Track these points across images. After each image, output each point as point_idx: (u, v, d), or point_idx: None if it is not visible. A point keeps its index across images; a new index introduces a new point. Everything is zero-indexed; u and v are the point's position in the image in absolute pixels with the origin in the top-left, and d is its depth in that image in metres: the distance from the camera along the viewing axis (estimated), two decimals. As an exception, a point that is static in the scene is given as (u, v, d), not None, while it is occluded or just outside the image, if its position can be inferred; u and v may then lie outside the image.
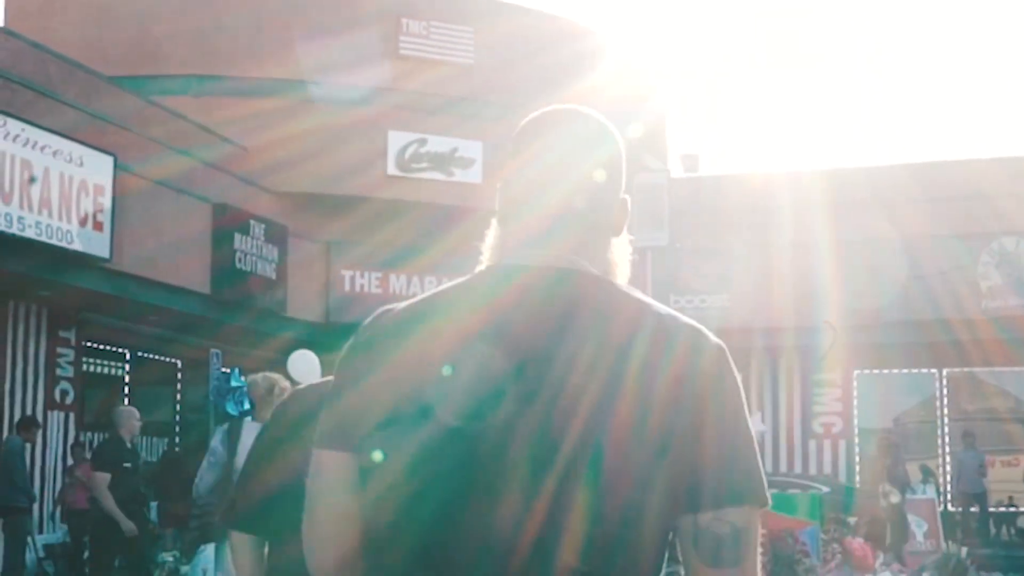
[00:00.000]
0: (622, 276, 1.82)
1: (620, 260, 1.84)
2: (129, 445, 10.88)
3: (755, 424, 17.66)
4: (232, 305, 17.04)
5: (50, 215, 13.19)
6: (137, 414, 11.07)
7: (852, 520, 15.05)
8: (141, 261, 15.06)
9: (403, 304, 1.76)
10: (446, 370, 1.63)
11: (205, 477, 7.79)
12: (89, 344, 16.72)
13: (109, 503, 10.26)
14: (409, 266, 19.72)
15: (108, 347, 17.15)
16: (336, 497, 1.73)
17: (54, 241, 13.21)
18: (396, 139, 20.16)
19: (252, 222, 17.46)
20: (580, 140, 1.78)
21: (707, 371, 1.64)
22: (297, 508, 3.19)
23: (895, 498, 16.63)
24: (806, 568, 12.59)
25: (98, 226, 13.98)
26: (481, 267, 1.80)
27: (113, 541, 10.58)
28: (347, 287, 19.46)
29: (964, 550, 12.32)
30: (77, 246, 13.58)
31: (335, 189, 19.45)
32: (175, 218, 15.94)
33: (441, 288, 1.75)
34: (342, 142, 19.53)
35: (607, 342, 1.63)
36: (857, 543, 14.16)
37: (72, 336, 16.22)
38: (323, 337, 16.58)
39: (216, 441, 7.70)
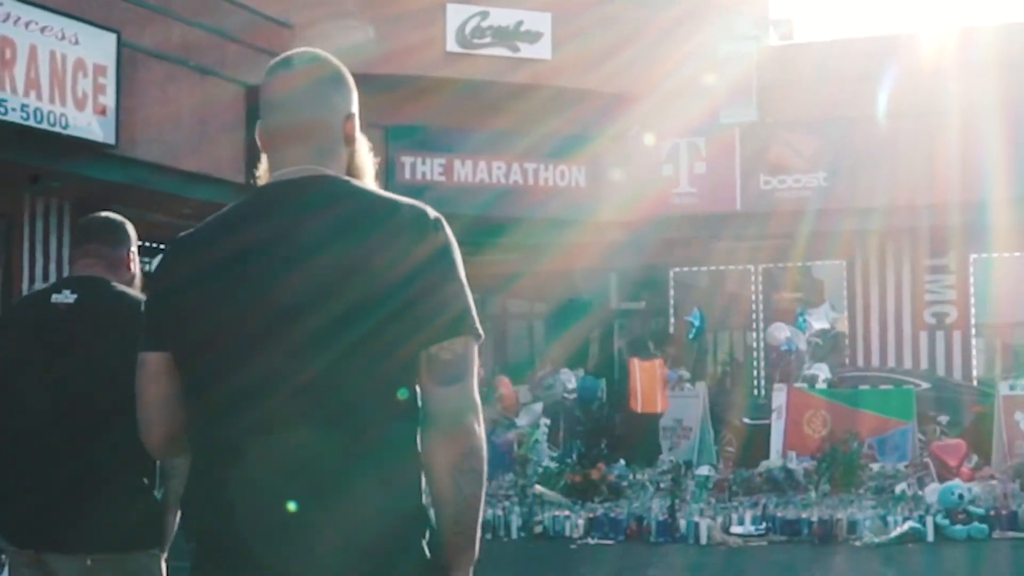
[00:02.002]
0: (368, 174, 2.50)
1: (365, 163, 2.50)
2: None
3: (823, 314, 15.96)
4: (270, 194, 15.93)
5: (39, 98, 12.20)
6: None
7: (943, 419, 13.29)
8: (159, 147, 14.04)
9: (193, 228, 2.39)
10: (229, 275, 2.27)
11: None
12: (121, 239, 15.82)
13: None
14: (475, 150, 18.32)
15: (143, 242, 16.23)
16: (158, 387, 2.37)
17: (44, 126, 12.23)
18: (455, 12, 18.55)
19: (292, 105, 16.25)
20: (309, 77, 2.46)
21: (425, 240, 2.25)
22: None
23: None
24: (873, 475, 10.97)
25: (100, 109, 12.96)
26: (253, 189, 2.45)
27: None
28: (407, 175, 18.15)
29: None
30: (73, 131, 12.59)
31: (390, 69, 17.93)
32: (200, 102, 14.82)
33: (225, 209, 2.40)
34: (396, 18, 18.12)
35: (346, 223, 2.26)
36: (950, 444, 12.47)
37: (100, 231, 15.36)
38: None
39: None
